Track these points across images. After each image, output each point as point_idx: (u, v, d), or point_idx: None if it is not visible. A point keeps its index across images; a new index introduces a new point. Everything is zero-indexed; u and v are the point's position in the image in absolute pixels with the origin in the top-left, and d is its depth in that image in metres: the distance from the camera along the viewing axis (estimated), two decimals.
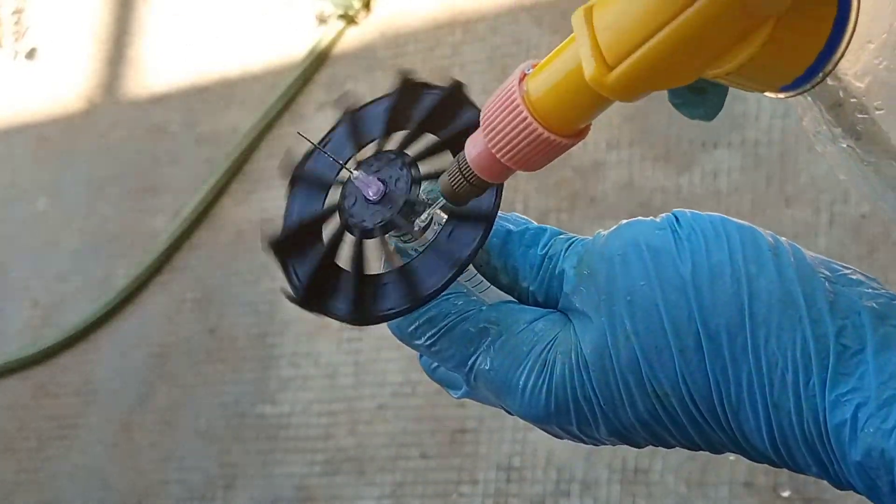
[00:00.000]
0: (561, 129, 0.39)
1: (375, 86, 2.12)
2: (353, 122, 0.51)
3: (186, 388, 2.07)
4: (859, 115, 0.40)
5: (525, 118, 0.39)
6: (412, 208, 0.47)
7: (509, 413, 0.50)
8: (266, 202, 2.17)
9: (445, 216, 0.48)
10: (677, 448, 0.50)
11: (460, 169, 0.43)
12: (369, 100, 0.51)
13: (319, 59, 2.20)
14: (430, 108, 0.48)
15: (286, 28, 2.29)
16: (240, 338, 2.05)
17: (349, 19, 2.18)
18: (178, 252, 2.22)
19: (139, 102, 2.45)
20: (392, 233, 0.48)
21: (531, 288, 0.50)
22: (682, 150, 1.74)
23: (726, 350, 0.45)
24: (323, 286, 0.48)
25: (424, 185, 0.48)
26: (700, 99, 0.38)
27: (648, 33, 0.35)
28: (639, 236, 0.47)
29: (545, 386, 0.48)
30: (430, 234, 0.48)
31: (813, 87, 0.38)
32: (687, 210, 0.48)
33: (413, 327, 0.49)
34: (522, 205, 1.84)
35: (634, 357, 0.46)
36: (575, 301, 0.48)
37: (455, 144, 0.47)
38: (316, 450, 1.89)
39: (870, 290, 0.46)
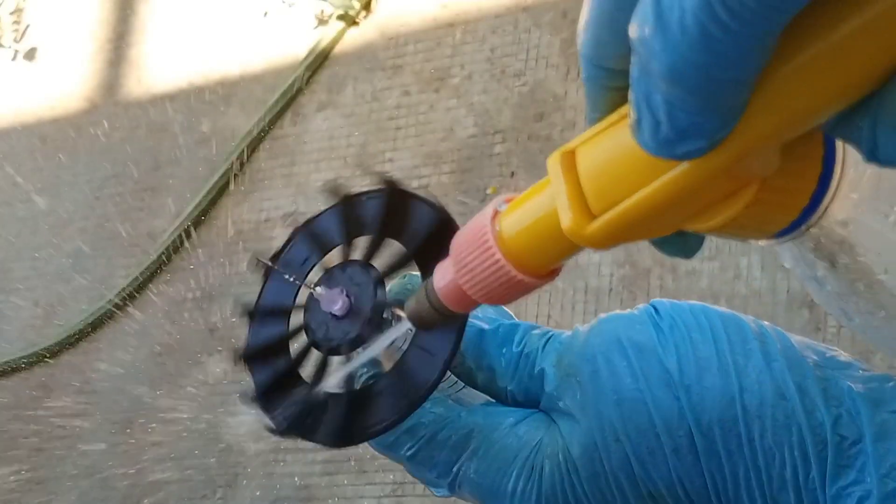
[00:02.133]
0: (533, 270, 0.38)
1: (376, 86, 2.12)
2: (308, 236, 0.50)
3: (186, 388, 2.07)
4: (839, 257, 0.40)
5: (497, 260, 0.38)
6: (379, 321, 0.46)
7: None
8: (266, 202, 2.17)
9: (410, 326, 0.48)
10: None
11: (428, 296, 0.42)
12: (315, 214, 0.50)
13: (319, 59, 2.20)
14: (381, 213, 0.48)
15: (286, 28, 2.29)
16: (240, 337, 2.05)
17: (349, 19, 2.18)
18: (178, 252, 2.22)
19: (139, 102, 2.45)
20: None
21: (509, 388, 0.49)
22: None
23: (720, 446, 0.44)
24: (304, 417, 0.48)
25: (389, 287, 0.47)
26: (680, 240, 0.38)
27: (630, 189, 0.34)
28: (620, 332, 0.46)
29: (535, 491, 0.46)
30: (398, 343, 0.47)
31: (796, 237, 0.38)
32: (665, 300, 0.47)
33: (393, 438, 0.48)
34: None
35: (626, 458, 0.45)
36: (559, 403, 0.47)
37: (411, 245, 0.47)
38: (316, 449, 1.89)
39: (859, 374, 0.45)
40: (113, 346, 2.23)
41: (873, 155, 0.31)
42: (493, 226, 0.39)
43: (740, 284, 1.64)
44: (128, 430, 2.12)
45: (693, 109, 0.29)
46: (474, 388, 0.50)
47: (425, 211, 0.47)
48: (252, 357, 0.50)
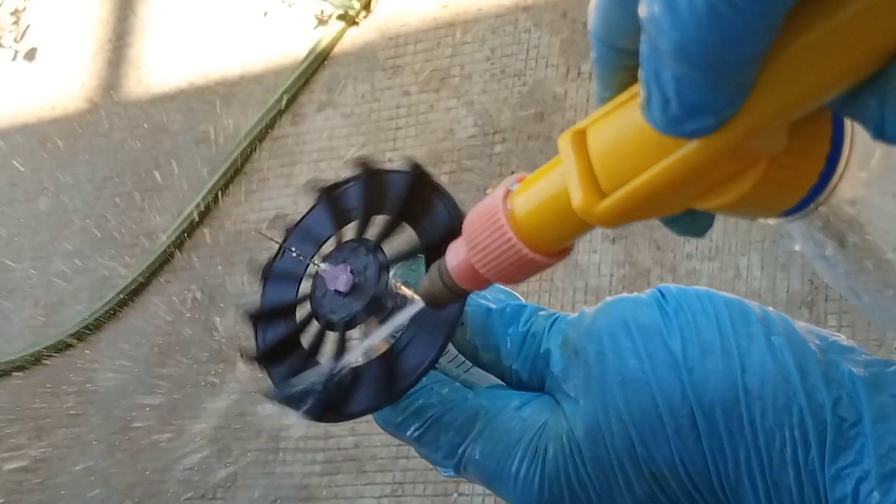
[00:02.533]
0: (545, 249, 0.39)
1: (376, 85, 2.12)
2: (329, 204, 0.51)
3: (186, 388, 2.07)
4: (848, 235, 0.40)
5: (509, 238, 0.39)
6: (381, 300, 0.47)
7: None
8: (266, 202, 2.17)
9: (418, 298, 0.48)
10: None
11: (440, 275, 0.42)
12: (338, 183, 0.51)
13: (319, 59, 2.20)
14: (402, 194, 0.48)
15: (286, 28, 2.29)
16: (240, 337, 2.05)
17: (349, 19, 2.18)
18: (178, 252, 2.22)
19: (139, 102, 2.45)
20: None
21: (514, 367, 0.49)
22: None
23: (722, 427, 0.44)
24: (299, 387, 0.48)
25: (394, 269, 0.48)
26: (690, 219, 0.38)
27: (640, 168, 0.34)
28: (626, 314, 0.47)
29: (538, 473, 0.47)
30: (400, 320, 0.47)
31: (805, 216, 0.38)
32: (672, 285, 0.48)
33: (400, 419, 0.49)
34: None
35: (629, 439, 0.45)
36: (564, 384, 0.47)
37: (421, 229, 0.48)
38: (316, 449, 1.89)
39: (861, 358, 0.45)
40: (113, 346, 2.23)
41: (880, 132, 0.31)
42: (505, 205, 0.39)
43: (740, 284, 1.64)
44: (128, 430, 2.12)
45: (701, 86, 0.29)
46: (479, 367, 0.50)
47: (445, 209, 0.48)
48: (269, 357, 0.50)
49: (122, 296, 2.23)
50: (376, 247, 0.48)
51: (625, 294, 0.48)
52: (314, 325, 0.49)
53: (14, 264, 2.47)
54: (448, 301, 0.43)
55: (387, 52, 2.14)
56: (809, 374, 0.44)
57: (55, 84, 2.59)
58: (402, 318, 0.46)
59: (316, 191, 0.51)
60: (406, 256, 0.48)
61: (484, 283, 0.41)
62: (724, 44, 0.28)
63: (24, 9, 2.73)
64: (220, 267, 2.16)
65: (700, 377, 0.45)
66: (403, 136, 2.04)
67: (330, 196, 0.51)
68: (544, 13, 1.98)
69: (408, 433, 0.49)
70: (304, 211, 0.52)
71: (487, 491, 1.71)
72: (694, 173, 0.33)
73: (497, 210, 0.39)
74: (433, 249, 0.47)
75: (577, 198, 0.36)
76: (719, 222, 1.67)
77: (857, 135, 0.37)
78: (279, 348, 0.50)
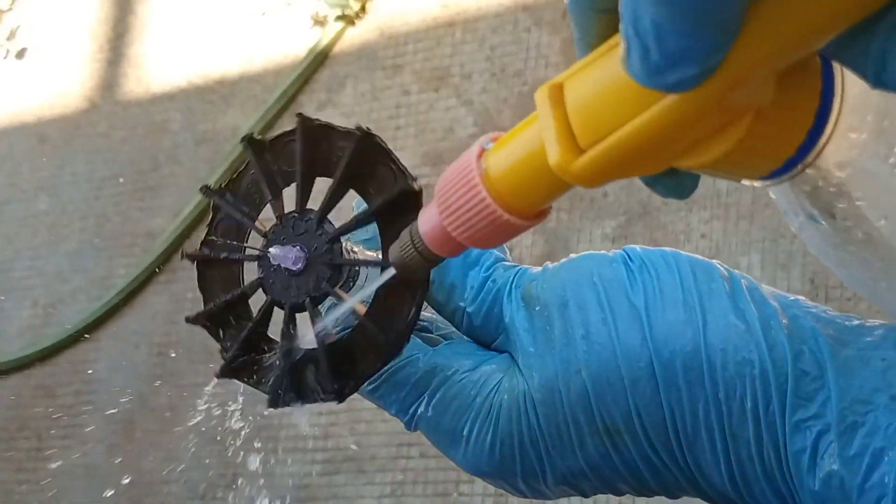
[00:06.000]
0: (521, 211, 0.37)
1: (375, 85, 2.12)
2: (233, 200, 0.48)
3: (187, 388, 2.07)
4: (837, 202, 0.38)
5: (483, 199, 0.36)
6: (340, 271, 0.45)
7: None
8: None
9: (373, 254, 0.46)
10: None
11: (412, 241, 0.40)
12: (233, 175, 0.48)
13: (319, 59, 2.20)
14: (349, 158, 0.46)
15: (286, 28, 2.29)
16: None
17: (348, 20, 2.18)
18: (178, 252, 2.22)
19: (139, 102, 2.45)
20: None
21: (469, 310, 0.48)
22: None
23: (681, 378, 0.43)
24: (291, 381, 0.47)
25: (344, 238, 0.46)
26: (673, 180, 0.36)
27: (619, 122, 0.32)
28: (592, 268, 0.46)
29: (490, 432, 0.46)
30: (362, 282, 0.46)
31: (792, 178, 0.36)
32: (637, 246, 0.47)
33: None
34: None
35: (585, 391, 0.44)
36: (523, 336, 0.47)
37: (359, 185, 0.46)
38: (316, 449, 1.89)
39: (825, 315, 0.44)
40: (113, 346, 2.22)
41: (879, 79, 0.30)
42: (479, 164, 0.37)
43: None
44: (128, 430, 2.12)
45: (683, 31, 0.28)
46: (430, 304, 0.49)
47: (344, 136, 0.45)
48: (241, 364, 0.49)
49: (121, 296, 2.22)
50: (322, 218, 0.46)
51: (591, 252, 0.48)
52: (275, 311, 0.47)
53: (14, 264, 2.47)
54: (421, 268, 0.41)
55: (386, 52, 2.14)
56: (771, 329, 0.43)
57: (54, 83, 2.59)
58: (372, 285, 0.45)
59: (250, 147, 0.47)
60: (355, 226, 0.46)
61: (458, 248, 0.39)
62: None
63: (25, 9, 2.73)
64: None
65: (661, 329, 0.44)
66: (403, 136, 2.04)
67: (266, 154, 0.48)
68: (544, 13, 1.98)
69: (362, 385, 0.48)
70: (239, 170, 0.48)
71: (488, 491, 1.71)
72: (676, 127, 0.32)
73: (471, 170, 0.37)
74: (383, 214, 0.45)
75: (554, 155, 0.34)
76: (720, 222, 1.68)
77: (847, 93, 0.35)
78: (248, 350, 0.48)
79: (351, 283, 0.47)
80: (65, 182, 2.47)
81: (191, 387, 2.06)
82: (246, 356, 0.48)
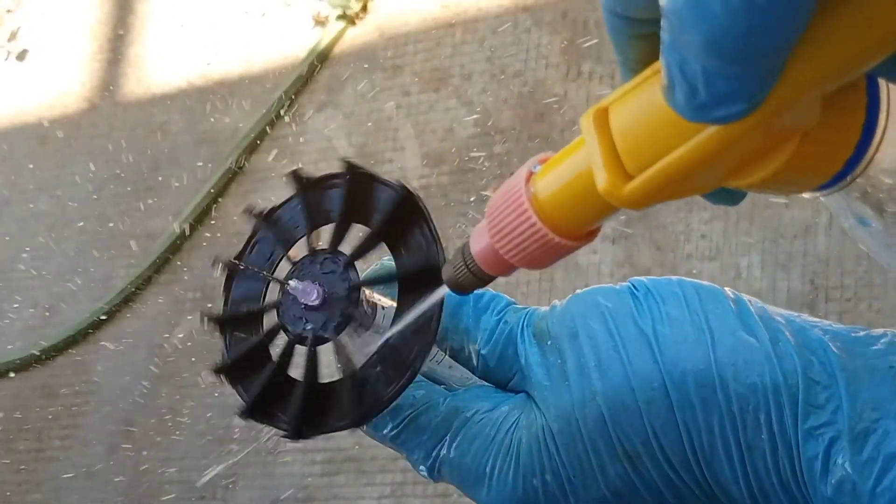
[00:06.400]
0: (570, 232, 0.37)
1: (375, 85, 2.12)
2: (272, 226, 0.51)
3: (187, 388, 2.07)
4: (887, 206, 0.39)
5: (533, 223, 0.37)
6: (352, 318, 0.47)
7: None
8: (266, 202, 2.16)
9: (391, 302, 0.48)
10: None
11: (465, 261, 0.41)
12: (278, 203, 0.51)
13: (319, 60, 2.20)
14: (388, 210, 0.47)
15: (286, 28, 2.29)
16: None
17: (348, 20, 2.18)
18: (178, 252, 2.22)
19: (139, 102, 2.45)
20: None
21: (483, 352, 0.49)
22: None
23: (694, 395, 0.44)
24: (273, 401, 0.48)
25: (362, 275, 0.47)
26: (724, 191, 0.37)
27: (665, 149, 0.33)
28: (599, 299, 0.47)
29: (512, 468, 0.46)
30: (378, 320, 0.47)
31: (840, 189, 0.37)
32: (643, 278, 0.48)
33: (376, 418, 0.48)
34: None
35: (601, 418, 0.45)
36: (536, 372, 0.47)
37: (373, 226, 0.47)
38: (316, 449, 1.89)
39: (831, 329, 0.45)
40: (113, 346, 2.22)
41: None
42: (528, 188, 0.38)
43: (741, 284, 1.64)
44: (127, 431, 2.12)
45: (732, 76, 0.28)
46: (443, 350, 0.50)
47: (424, 239, 0.47)
48: (235, 369, 0.50)
49: (121, 296, 2.22)
50: (350, 264, 0.47)
51: (597, 285, 0.49)
52: (281, 337, 0.48)
53: (14, 264, 2.47)
54: (473, 287, 0.42)
55: (386, 52, 2.14)
56: (780, 342, 0.44)
57: (55, 84, 2.59)
58: (424, 308, 0.46)
59: (296, 182, 0.50)
60: (380, 282, 0.48)
61: (509, 267, 0.40)
62: (758, 34, 0.26)
63: (24, 9, 2.73)
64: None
65: (670, 350, 0.45)
66: (403, 136, 2.04)
67: (310, 191, 0.50)
68: (544, 13, 1.98)
69: (383, 432, 0.49)
70: (280, 201, 0.51)
71: None
72: (723, 154, 0.32)
73: (520, 193, 0.38)
74: (407, 279, 0.47)
75: (602, 180, 0.34)
76: (720, 222, 1.67)
77: (893, 104, 0.35)
78: (247, 361, 0.49)
79: (363, 329, 0.48)
80: (65, 182, 2.47)
81: (191, 387, 2.06)
82: (244, 366, 0.49)
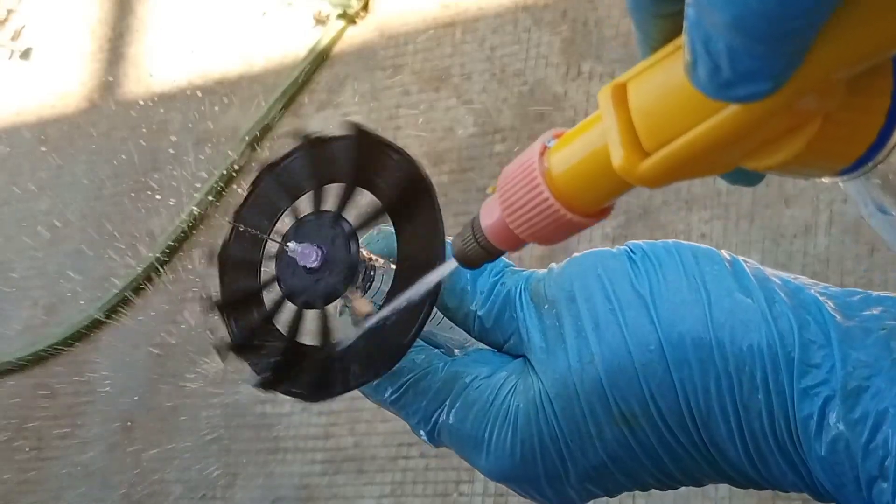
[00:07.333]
0: (583, 209, 0.37)
1: (376, 85, 2.12)
2: (274, 180, 0.50)
3: (186, 388, 2.07)
4: None
5: (545, 198, 0.37)
6: (354, 269, 0.46)
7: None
8: None
9: (392, 265, 0.47)
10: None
11: (474, 234, 0.40)
12: (279, 158, 0.50)
13: (319, 59, 2.20)
14: (351, 158, 0.47)
15: (286, 28, 2.29)
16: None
17: (349, 19, 2.18)
18: (178, 252, 2.22)
19: (139, 102, 2.45)
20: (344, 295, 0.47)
21: (479, 313, 0.49)
22: None
23: (691, 356, 0.44)
24: (286, 365, 0.47)
25: (361, 235, 0.47)
26: (741, 172, 0.36)
27: (684, 127, 0.32)
28: (596, 262, 0.47)
29: (510, 433, 0.47)
30: (377, 285, 0.47)
31: (863, 174, 0.36)
32: (640, 241, 0.48)
33: (376, 382, 0.48)
34: None
35: (598, 380, 0.45)
36: (533, 335, 0.47)
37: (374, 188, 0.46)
38: (316, 449, 1.89)
39: (827, 291, 0.46)
40: (113, 346, 2.22)
41: None
42: (542, 162, 0.37)
43: None
44: (127, 430, 2.12)
45: (758, 54, 0.27)
46: (440, 310, 0.49)
47: (398, 163, 0.46)
48: (244, 349, 0.49)
49: (121, 296, 2.22)
50: (338, 216, 0.46)
51: (594, 249, 0.49)
52: (287, 306, 0.48)
53: (14, 264, 2.47)
54: (482, 261, 0.41)
55: (387, 52, 2.14)
56: (776, 302, 0.44)
57: (55, 84, 2.59)
58: (386, 286, 0.45)
59: (259, 168, 0.49)
60: (370, 220, 0.47)
61: (519, 242, 0.39)
62: (789, 15, 0.26)
63: (24, 8, 2.73)
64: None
65: (667, 311, 0.45)
66: (403, 136, 2.04)
67: (274, 172, 0.49)
68: (544, 13, 1.98)
69: (384, 396, 0.49)
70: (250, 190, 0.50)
71: (488, 491, 1.71)
72: (743, 133, 0.31)
73: (533, 167, 0.37)
74: (396, 208, 0.46)
75: (618, 157, 0.34)
76: (720, 222, 1.67)
77: None
78: (256, 335, 0.49)
79: (367, 286, 0.47)
80: (65, 182, 2.47)
81: (190, 386, 2.06)
82: (251, 342, 0.49)
